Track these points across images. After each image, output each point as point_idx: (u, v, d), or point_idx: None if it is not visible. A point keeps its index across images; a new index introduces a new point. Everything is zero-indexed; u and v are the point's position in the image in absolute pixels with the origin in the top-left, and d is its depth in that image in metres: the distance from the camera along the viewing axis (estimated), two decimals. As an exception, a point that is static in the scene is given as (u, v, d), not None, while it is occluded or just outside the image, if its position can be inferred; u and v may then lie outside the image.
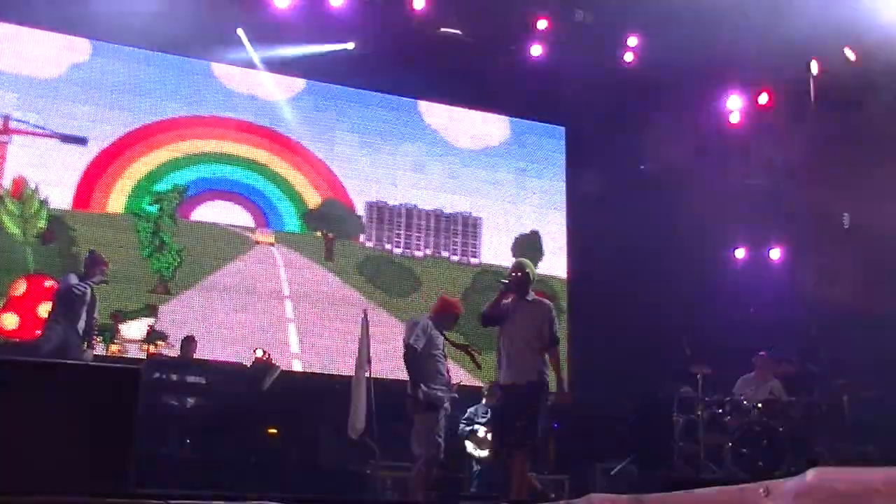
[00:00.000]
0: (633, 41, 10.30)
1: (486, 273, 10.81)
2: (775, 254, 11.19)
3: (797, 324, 9.76)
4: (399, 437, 6.85)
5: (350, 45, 10.13)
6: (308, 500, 5.63)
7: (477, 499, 8.00)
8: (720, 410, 8.19)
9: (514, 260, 6.64)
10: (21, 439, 3.64)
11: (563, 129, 11.61)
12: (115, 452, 3.83)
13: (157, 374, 7.56)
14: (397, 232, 10.59)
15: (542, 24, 10.17)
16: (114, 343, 8.76)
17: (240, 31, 9.83)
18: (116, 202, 9.54)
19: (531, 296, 6.41)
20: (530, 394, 6.13)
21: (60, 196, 9.30)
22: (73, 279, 7.40)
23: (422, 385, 6.49)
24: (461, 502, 7.74)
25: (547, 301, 6.62)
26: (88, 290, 7.37)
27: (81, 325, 7.27)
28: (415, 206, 10.73)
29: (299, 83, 10.47)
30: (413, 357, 6.54)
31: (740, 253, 11.38)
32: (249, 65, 10.13)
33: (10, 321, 8.76)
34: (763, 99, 10.67)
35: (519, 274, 6.34)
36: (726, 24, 8.98)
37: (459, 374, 10.25)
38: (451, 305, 7.17)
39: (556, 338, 6.46)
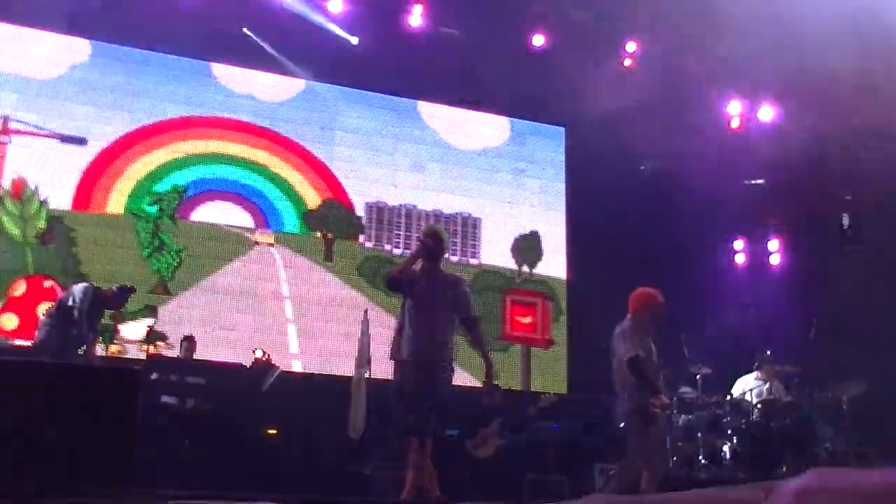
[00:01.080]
0: (631, 46, 10.32)
1: (486, 273, 10.82)
2: (775, 255, 11.20)
3: (797, 324, 9.77)
4: (398, 438, 6.85)
5: (354, 39, 10.10)
6: (308, 501, 5.65)
7: (476, 499, 8.00)
8: (720, 411, 8.19)
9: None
10: (21, 439, 3.64)
11: (562, 129, 11.61)
12: (115, 452, 3.84)
13: (156, 375, 7.56)
14: (397, 232, 10.59)
15: (541, 24, 10.19)
16: (113, 343, 8.76)
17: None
18: (116, 203, 9.54)
19: (443, 269, 5.91)
20: (439, 374, 5.61)
21: (60, 196, 9.30)
22: (79, 289, 7.40)
23: (659, 395, 6.02)
24: (461, 502, 7.73)
25: (460, 276, 6.23)
26: (89, 299, 7.37)
27: (81, 329, 7.26)
28: (414, 206, 10.73)
29: (299, 83, 10.47)
30: (640, 366, 6.02)
31: (739, 250, 11.39)
32: (248, 65, 10.13)
33: (10, 322, 8.75)
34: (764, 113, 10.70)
35: (431, 241, 5.81)
36: (726, 24, 8.98)
37: (457, 373, 10.28)
38: (652, 297, 6.34)
39: (476, 316, 5.94)
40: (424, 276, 5.75)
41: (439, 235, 5.90)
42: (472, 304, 5.90)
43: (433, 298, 5.67)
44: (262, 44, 9.88)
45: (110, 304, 7.61)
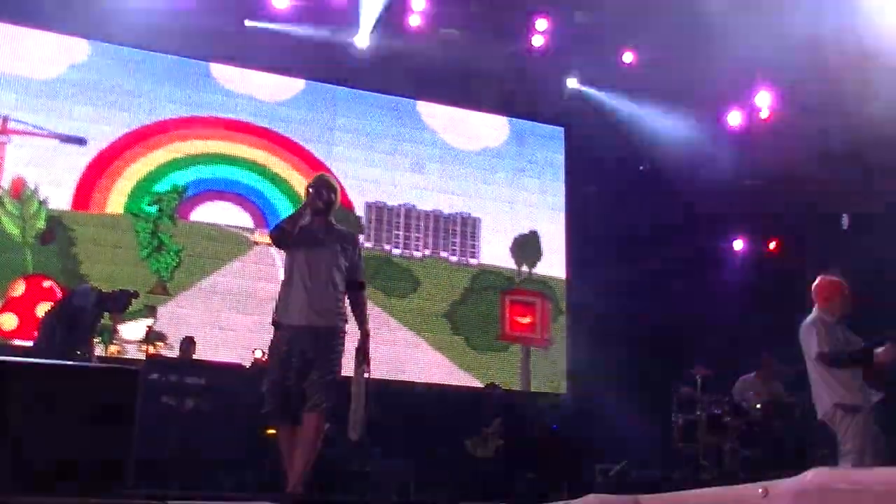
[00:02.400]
0: (628, 57, 10.33)
1: (486, 273, 10.83)
2: (774, 255, 11.20)
3: (797, 323, 9.76)
4: (398, 437, 6.86)
5: (356, 40, 10.08)
6: (307, 501, 5.63)
7: (476, 499, 8.00)
8: (720, 411, 8.19)
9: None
10: (20, 439, 3.64)
11: (562, 129, 11.62)
12: (114, 452, 3.83)
13: (155, 375, 7.55)
14: (396, 232, 10.59)
15: (541, 25, 10.18)
16: (113, 344, 8.75)
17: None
18: (115, 203, 9.54)
19: (335, 223, 5.29)
20: (331, 341, 5.01)
21: (59, 196, 9.30)
22: (82, 291, 7.41)
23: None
24: (461, 502, 7.74)
25: (355, 233, 5.60)
26: (92, 301, 7.37)
27: (82, 330, 7.26)
28: (414, 206, 10.73)
29: (298, 83, 10.48)
30: (832, 360, 5.67)
31: (739, 250, 11.39)
32: (248, 65, 10.14)
33: (9, 322, 8.75)
34: (762, 100, 10.67)
35: (326, 191, 5.16)
36: (726, 24, 8.98)
37: (457, 373, 10.28)
38: (834, 286, 5.93)
39: (364, 282, 5.38)
40: (316, 230, 5.13)
41: (332, 185, 5.25)
42: (363, 267, 5.38)
43: (325, 256, 5.09)
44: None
45: (111, 307, 7.60)
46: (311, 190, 5.15)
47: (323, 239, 5.09)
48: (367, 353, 5.11)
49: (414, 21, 10.03)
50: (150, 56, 9.89)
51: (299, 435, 4.89)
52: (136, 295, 7.71)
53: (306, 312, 4.93)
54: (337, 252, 5.10)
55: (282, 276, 5.19)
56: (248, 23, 9.79)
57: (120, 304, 7.59)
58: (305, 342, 4.89)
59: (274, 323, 5.08)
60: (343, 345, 5.05)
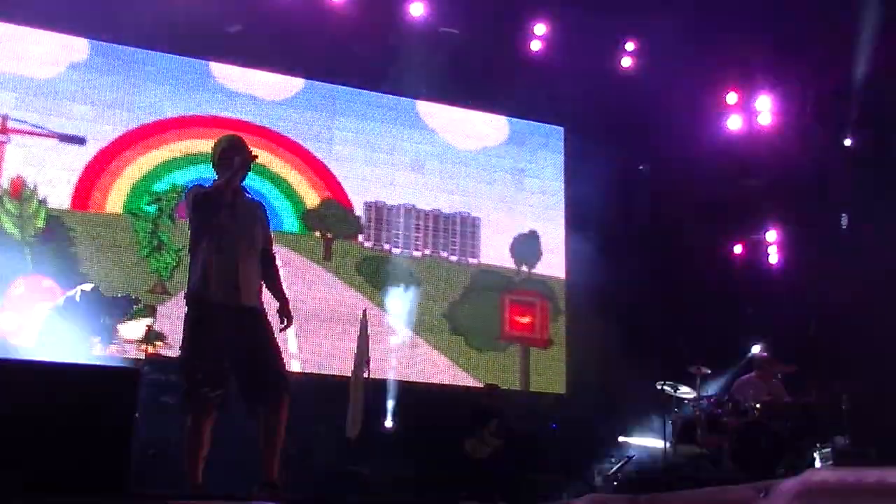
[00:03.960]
0: (630, 46, 10.32)
1: (485, 273, 10.82)
2: (774, 255, 11.20)
3: (796, 324, 9.77)
4: (397, 437, 6.86)
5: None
6: (306, 500, 5.64)
7: (475, 499, 8.01)
8: (718, 411, 8.19)
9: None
10: (20, 439, 3.64)
11: (561, 129, 11.61)
12: (113, 452, 3.84)
13: (155, 375, 7.55)
14: (396, 232, 10.58)
15: (540, 28, 10.19)
16: (112, 343, 8.74)
17: None
18: (115, 202, 9.54)
19: (245, 193, 4.95)
20: (260, 319, 4.67)
21: (59, 196, 9.29)
22: (84, 292, 7.42)
23: None
24: (461, 502, 7.74)
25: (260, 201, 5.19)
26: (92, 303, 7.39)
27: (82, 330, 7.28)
28: (413, 206, 10.72)
29: (298, 83, 10.47)
30: None
31: (738, 250, 11.40)
32: (247, 64, 10.13)
33: (9, 321, 8.74)
34: (761, 104, 10.69)
35: (251, 156, 4.75)
36: (724, 24, 8.99)
37: (457, 373, 10.28)
38: None
39: (275, 254, 4.98)
40: (233, 197, 4.74)
41: (251, 150, 4.83)
42: (271, 237, 4.99)
43: (242, 225, 4.72)
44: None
45: (112, 312, 7.61)
46: (235, 154, 4.73)
47: (237, 207, 4.73)
48: (287, 314, 4.80)
49: (414, 20, 10.02)
50: (150, 55, 9.89)
51: (270, 423, 4.67)
52: (136, 301, 7.72)
53: (231, 291, 4.54)
54: (250, 221, 4.77)
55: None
56: (247, 22, 9.78)
57: (119, 309, 7.60)
58: (243, 319, 4.54)
59: (189, 300, 4.63)
60: (261, 323, 4.67)
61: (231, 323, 4.52)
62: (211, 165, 5.01)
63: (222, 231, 4.63)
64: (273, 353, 4.62)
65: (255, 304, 4.66)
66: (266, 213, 4.99)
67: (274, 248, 4.99)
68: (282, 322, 4.79)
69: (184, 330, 4.62)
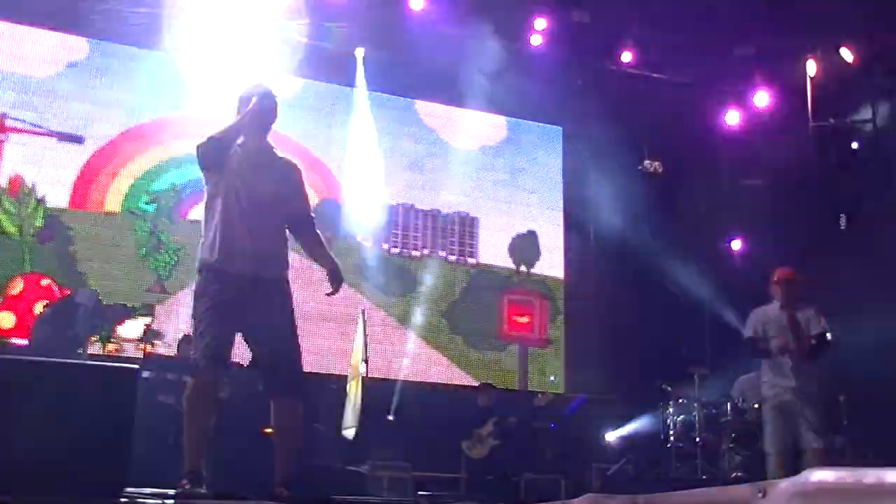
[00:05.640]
0: (627, 55, 10.32)
1: (484, 273, 10.83)
2: (773, 254, 11.19)
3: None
4: (397, 438, 6.86)
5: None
6: (305, 500, 5.63)
7: (474, 499, 8.01)
8: (717, 411, 8.20)
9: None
10: (18, 438, 3.63)
11: (559, 128, 11.62)
12: (112, 452, 3.83)
13: (153, 374, 7.55)
14: (394, 231, 10.58)
15: (539, 24, 10.18)
16: (111, 342, 8.74)
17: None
18: (113, 201, 9.53)
19: (272, 145, 4.33)
20: (283, 295, 4.15)
21: (57, 195, 9.29)
22: (85, 294, 7.42)
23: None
24: (459, 502, 7.74)
25: (294, 160, 4.49)
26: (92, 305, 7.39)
27: (80, 330, 7.27)
28: (412, 205, 10.72)
29: (297, 82, 10.46)
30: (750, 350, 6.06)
31: (737, 249, 11.40)
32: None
33: (7, 320, 8.74)
34: (760, 101, 10.67)
35: (268, 101, 4.18)
36: (723, 23, 8.99)
37: (455, 373, 10.28)
38: (774, 273, 6.15)
39: (314, 216, 4.38)
40: (250, 152, 4.16)
41: (274, 96, 4.24)
42: (309, 198, 4.33)
43: (260, 184, 4.12)
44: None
45: (106, 317, 7.61)
46: (253, 98, 4.10)
47: (255, 163, 4.13)
48: (338, 280, 4.29)
49: (412, 20, 10.01)
50: (149, 54, 9.87)
51: (286, 418, 4.13)
52: (132, 310, 7.72)
53: (241, 257, 4.02)
54: (272, 181, 4.14)
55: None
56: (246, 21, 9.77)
57: (114, 316, 7.60)
58: (230, 291, 3.97)
59: (201, 269, 4.15)
60: (282, 299, 4.14)
61: (245, 297, 3.98)
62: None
63: (239, 189, 4.09)
64: (293, 347, 4.13)
65: (276, 275, 4.12)
66: (301, 175, 4.35)
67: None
68: (332, 286, 4.29)
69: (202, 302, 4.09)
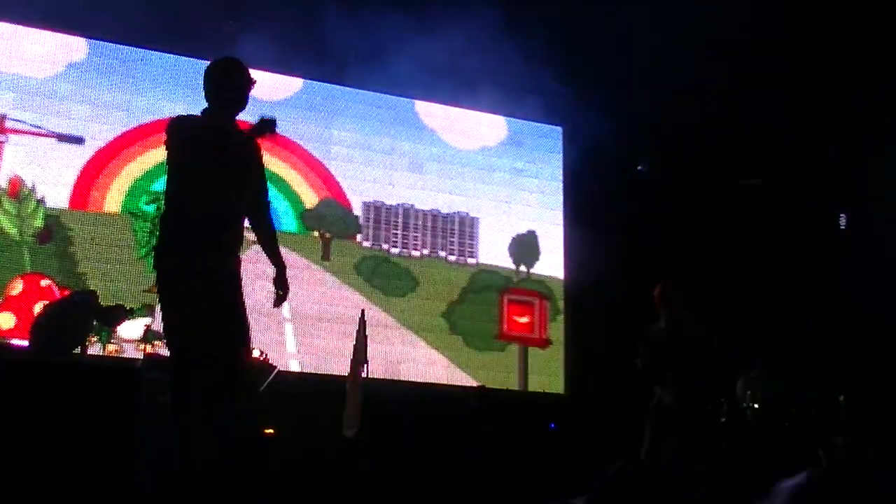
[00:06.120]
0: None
1: (484, 273, 10.82)
2: (772, 254, 11.19)
3: (795, 323, 9.77)
4: (394, 437, 6.85)
5: None
6: (305, 500, 5.63)
7: (474, 499, 8.01)
8: (715, 412, 8.19)
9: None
10: (18, 438, 3.63)
11: (560, 129, 11.62)
12: (112, 451, 3.83)
13: (153, 374, 7.54)
14: (394, 232, 10.58)
15: (539, 23, 10.17)
16: (111, 343, 8.75)
17: None
18: (113, 202, 9.53)
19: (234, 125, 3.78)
20: (231, 288, 3.78)
21: (57, 195, 9.29)
22: (85, 294, 7.42)
23: None
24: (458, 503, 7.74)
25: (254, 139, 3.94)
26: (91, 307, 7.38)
27: (79, 330, 7.26)
28: (412, 206, 10.72)
29: (297, 82, 10.46)
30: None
31: (736, 248, 11.39)
32: (246, 63, 10.10)
33: (7, 321, 8.74)
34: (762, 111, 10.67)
35: (240, 77, 3.61)
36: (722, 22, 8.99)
37: (455, 373, 10.28)
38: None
39: (269, 202, 3.92)
40: (212, 130, 3.74)
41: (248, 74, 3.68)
42: (266, 184, 3.82)
43: (228, 167, 3.73)
44: None
45: (105, 319, 7.59)
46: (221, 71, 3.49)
47: (218, 143, 3.69)
48: (283, 283, 3.76)
49: (411, 19, 10.01)
50: (149, 54, 9.88)
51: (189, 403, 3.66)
52: (130, 311, 7.71)
53: (193, 246, 3.64)
54: (247, 164, 3.66)
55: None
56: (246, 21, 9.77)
57: (113, 317, 7.59)
58: (193, 283, 3.60)
59: (156, 259, 3.76)
60: (232, 290, 3.68)
61: (195, 290, 3.64)
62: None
63: (197, 172, 3.68)
64: (236, 354, 3.67)
65: (226, 268, 3.69)
66: (259, 152, 3.89)
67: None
68: (277, 293, 3.83)
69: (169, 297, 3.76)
